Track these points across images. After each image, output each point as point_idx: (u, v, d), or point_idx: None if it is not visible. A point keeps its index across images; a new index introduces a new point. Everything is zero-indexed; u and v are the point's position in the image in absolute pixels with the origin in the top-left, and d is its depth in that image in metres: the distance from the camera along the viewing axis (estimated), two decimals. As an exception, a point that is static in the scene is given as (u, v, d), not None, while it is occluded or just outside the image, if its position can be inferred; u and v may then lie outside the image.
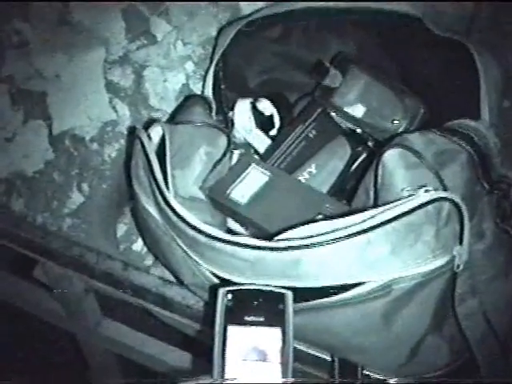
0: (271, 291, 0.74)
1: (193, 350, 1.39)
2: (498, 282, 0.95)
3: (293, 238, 0.82)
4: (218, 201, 1.02)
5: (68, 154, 1.26)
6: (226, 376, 0.69)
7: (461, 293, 0.88)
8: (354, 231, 0.79)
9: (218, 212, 1.04)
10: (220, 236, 0.85)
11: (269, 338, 0.71)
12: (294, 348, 0.82)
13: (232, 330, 0.71)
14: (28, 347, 1.94)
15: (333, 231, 0.80)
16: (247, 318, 0.72)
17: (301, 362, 1.00)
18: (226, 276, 0.88)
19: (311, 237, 0.80)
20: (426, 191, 0.81)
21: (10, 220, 1.23)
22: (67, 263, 1.20)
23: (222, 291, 0.73)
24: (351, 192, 1.04)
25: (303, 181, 1.08)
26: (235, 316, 0.72)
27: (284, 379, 0.69)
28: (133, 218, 1.21)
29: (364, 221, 0.80)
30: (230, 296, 0.73)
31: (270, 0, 1.25)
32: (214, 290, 0.77)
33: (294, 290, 0.77)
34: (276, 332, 0.71)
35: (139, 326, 1.50)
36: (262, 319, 0.72)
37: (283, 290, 0.74)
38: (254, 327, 0.71)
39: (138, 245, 1.21)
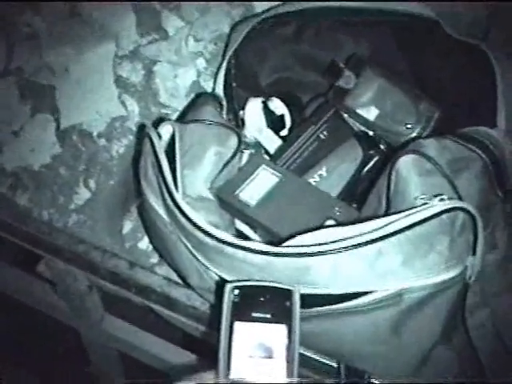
0: (278, 288, 0.73)
1: (196, 350, 1.38)
2: (510, 293, 0.94)
3: (303, 245, 0.80)
4: (227, 201, 1.01)
5: (75, 149, 1.25)
6: (232, 372, 0.68)
7: (471, 303, 0.87)
8: (366, 240, 0.77)
9: (226, 213, 1.02)
10: (229, 240, 0.83)
11: (275, 334, 0.69)
12: (300, 353, 0.81)
13: (238, 325, 0.70)
14: (30, 341, 1.94)
15: (344, 239, 0.78)
16: (254, 314, 0.70)
17: (307, 367, 0.99)
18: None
19: (322, 244, 0.79)
20: (441, 200, 0.80)
21: (15, 214, 1.22)
22: (72, 260, 1.19)
23: (229, 287, 0.72)
24: (362, 196, 1.03)
25: (313, 183, 1.07)
26: (242, 312, 0.71)
27: (289, 376, 0.67)
28: (139, 216, 1.20)
29: (376, 229, 0.78)
30: (236, 292, 0.72)
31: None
32: (220, 287, 0.76)
33: (303, 296, 0.76)
34: (282, 329, 0.70)
35: (142, 324, 1.49)
36: (268, 316, 0.70)
37: (290, 287, 0.72)
38: (260, 323, 0.70)
39: (144, 243, 1.20)
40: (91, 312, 1.44)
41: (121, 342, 1.51)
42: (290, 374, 0.68)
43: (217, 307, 0.93)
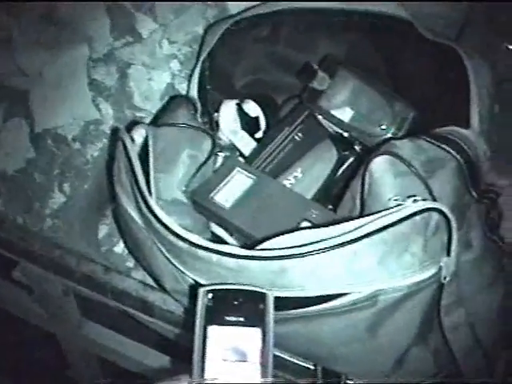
0: (252, 291, 0.72)
1: (172, 354, 1.37)
2: (485, 293, 0.95)
3: (278, 247, 0.80)
4: (202, 204, 1.01)
5: (50, 153, 1.24)
6: (206, 376, 0.67)
7: (447, 304, 0.88)
8: (341, 242, 0.77)
9: (200, 216, 1.02)
10: (202, 244, 0.83)
11: (249, 338, 0.69)
12: (277, 356, 0.80)
13: (212, 329, 0.70)
14: (7, 346, 1.92)
15: (318, 241, 0.78)
16: (227, 318, 0.70)
17: (283, 369, 0.99)
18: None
19: (296, 246, 0.79)
20: (415, 201, 0.80)
21: (-12, 220, 1.21)
22: (47, 265, 1.18)
23: (202, 290, 0.72)
24: (337, 197, 1.02)
25: (288, 185, 1.07)
26: (215, 316, 0.70)
27: (263, 379, 0.67)
28: (114, 220, 1.19)
29: (351, 231, 0.78)
30: (210, 295, 0.72)
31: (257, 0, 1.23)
32: (195, 291, 0.75)
33: (279, 298, 0.76)
34: (256, 332, 0.69)
35: (120, 328, 1.48)
36: (242, 319, 0.70)
37: (264, 290, 0.72)
38: (234, 327, 0.70)
39: (120, 247, 1.20)
40: (69, 317, 1.43)
41: (100, 346, 1.50)
42: (264, 377, 0.67)
43: (191, 307, 0.93)
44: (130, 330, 1.45)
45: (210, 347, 0.69)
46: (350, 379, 0.95)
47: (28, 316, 1.58)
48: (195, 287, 0.87)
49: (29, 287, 1.35)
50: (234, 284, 0.75)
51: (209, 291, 0.72)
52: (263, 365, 0.68)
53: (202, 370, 0.68)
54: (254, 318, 0.70)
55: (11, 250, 1.21)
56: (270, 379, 0.68)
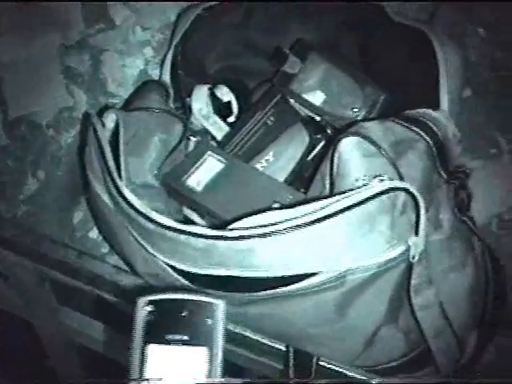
0: (198, 301, 0.64)
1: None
2: (455, 273, 0.95)
3: (245, 228, 0.80)
4: (173, 188, 1.01)
5: (23, 140, 1.24)
6: None
7: (416, 284, 0.88)
8: (307, 221, 0.77)
9: (172, 200, 1.02)
10: (170, 225, 0.83)
11: (194, 358, 0.62)
12: (249, 337, 0.80)
13: (152, 348, 0.62)
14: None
15: (286, 221, 0.78)
16: (170, 336, 0.62)
17: (255, 351, 0.99)
18: (179, 265, 0.86)
19: (264, 226, 0.79)
20: (381, 181, 0.80)
21: (-38, 207, 1.21)
22: (21, 252, 1.18)
23: (140, 302, 0.63)
24: (309, 180, 1.02)
25: (261, 168, 1.07)
26: (156, 333, 0.62)
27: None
28: (88, 206, 1.19)
29: (317, 210, 0.78)
30: (150, 308, 0.63)
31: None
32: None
33: (249, 279, 0.76)
34: (202, 352, 0.62)
35: (96, 315, 1.48)
36: (186, 337, 0.63)
37: (213, 300, 0.64)
38: (177, 346, 0.62)
39: (95, 232, 1.20)
40: (45, 304, 1.43)
41: (77, 333, 1.50)
42: None
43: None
44: (106, 316, 1.45)
45: (150, 369, 0.62)
46: (321, 360, 0.95)
47: (4, 304, 1.58)
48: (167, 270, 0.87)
49: (4, 274, 1.35)
50: (181, 291, 0.66)
51: (149, 302, 0.63)
52: None
53: None
54: (201, 335, 0.63)
55: (-16, 236, 1.20)
56: None
